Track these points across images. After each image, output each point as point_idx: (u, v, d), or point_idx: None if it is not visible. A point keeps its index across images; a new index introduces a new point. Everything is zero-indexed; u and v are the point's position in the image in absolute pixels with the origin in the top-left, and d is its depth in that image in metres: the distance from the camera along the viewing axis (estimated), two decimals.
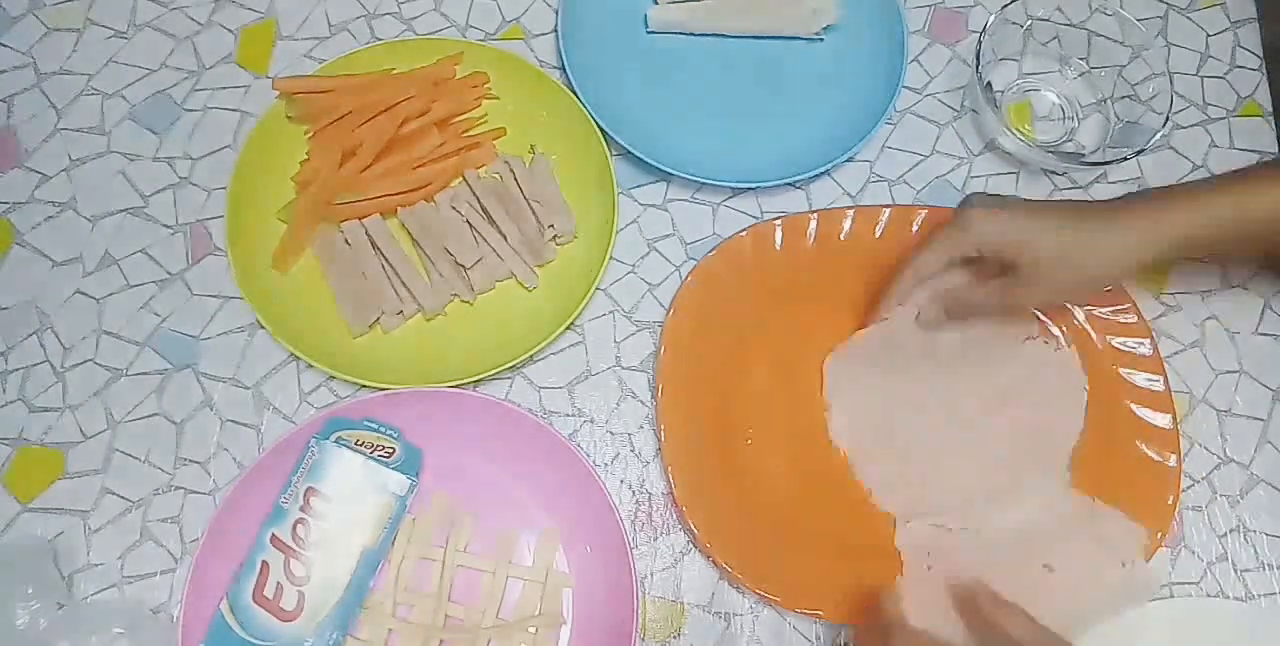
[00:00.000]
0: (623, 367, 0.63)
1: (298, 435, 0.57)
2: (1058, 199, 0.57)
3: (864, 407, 0.61)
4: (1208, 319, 0.65)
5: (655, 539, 0.60)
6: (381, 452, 0.57)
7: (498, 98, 0.66)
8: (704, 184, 0.66)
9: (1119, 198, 0.56)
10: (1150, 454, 0.60)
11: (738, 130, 0.68)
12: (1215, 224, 0.53)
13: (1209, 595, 0.60)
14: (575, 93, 0.64)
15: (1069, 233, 0.53)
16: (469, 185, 0.64)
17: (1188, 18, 0.72)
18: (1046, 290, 0.55)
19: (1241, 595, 0.60)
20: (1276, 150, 0.69)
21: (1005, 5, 0.65)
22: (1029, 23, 0.68)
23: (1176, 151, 0.69)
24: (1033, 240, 0.53)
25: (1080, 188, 0.68)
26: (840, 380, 0.62)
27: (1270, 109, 0.70)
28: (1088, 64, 0.69)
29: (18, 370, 0.61)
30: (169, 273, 0.64)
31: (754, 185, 0.65)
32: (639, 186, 0.67)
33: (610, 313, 0.64)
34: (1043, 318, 0.63)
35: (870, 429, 0.61)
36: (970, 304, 0.57)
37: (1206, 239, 0.53)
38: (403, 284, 0.62)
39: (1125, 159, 0.63)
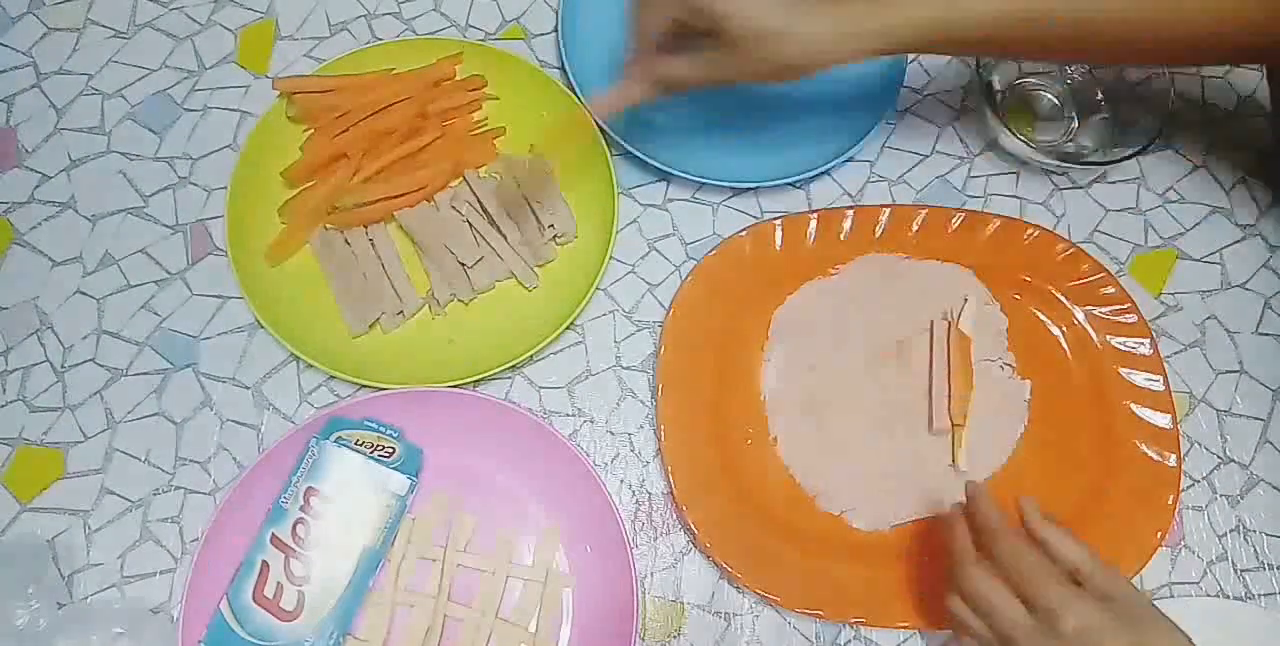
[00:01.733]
0: (623, 367, 0.63)
1: (298, 435, 0.57)
2: None
3: (794, 363, 0.62)
4: (1208, 319, 0.65)
5: (655, 539, 0.60)
6: (381, 452, 0.57)
7: (497, 98, 0.66)
8: (704, 184, 0.66)
9: None
10: (1150, 454, 0.60)
11: (737, 130, 0.67)
12: (935, 27, 0.50)
13: (1209, 595, 0.60)
14: (575, 93, 0.64)
15: (778, 12, 0.49)
16: (469, 185, 0.64)
17: None
18: (746, 69, 0.52)
19: (1241, 595, 0.60)
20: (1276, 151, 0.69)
21: None
22: None
23: (1176, 151, 0.69)
24: (737, 11, 0.49)
25: (1080, 188, 0.68)
26: (781, 334, 0.63)
27: (1269, 109, 0.70)
28: None
29: (18, 370, 0.61)
30: (169, 272, 0.64)
31: (754, 185, 0.65)
32: (639, 186, 0.67)
33: (610, 313, 0.64)
34: (1042, 317, 0.63)
35: (793, 385, 0.62)
36: (676, 77, 0.54)
37: (930, 40, 0.51)
38: (403, 284, 0.62)
39: (1125, 159, 0.63)
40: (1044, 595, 0.47)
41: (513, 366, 0.60)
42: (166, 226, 0.64)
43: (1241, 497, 0.62)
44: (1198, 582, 0.60)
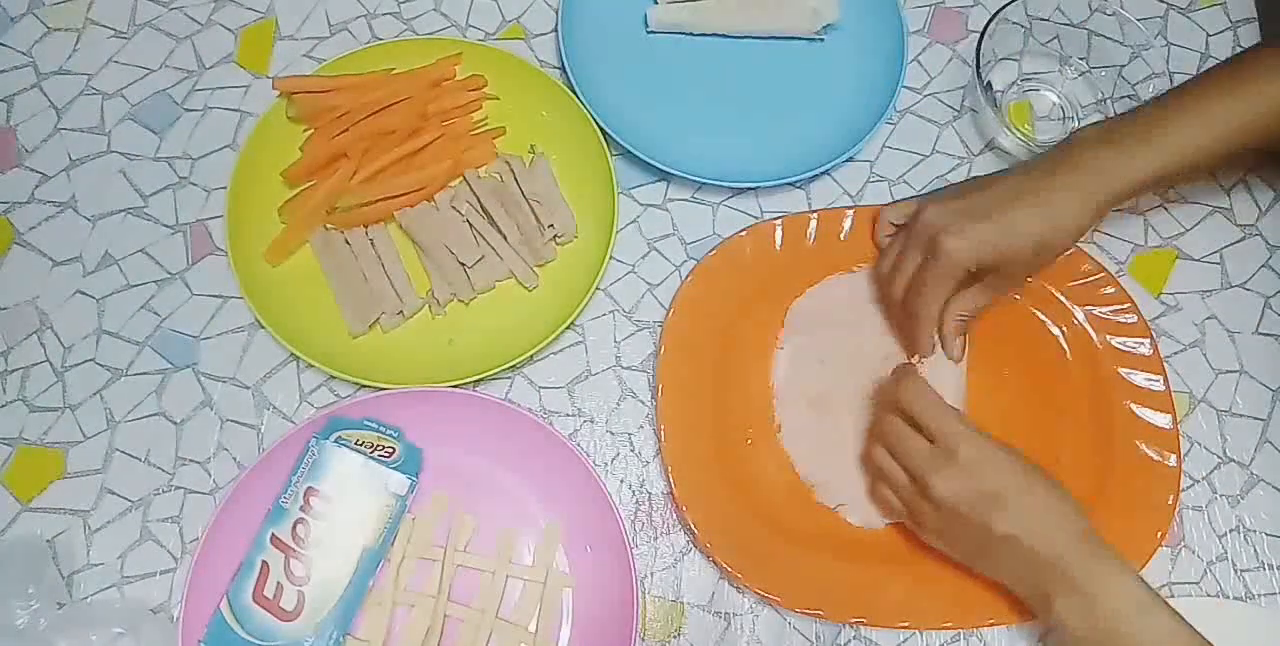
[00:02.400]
0: (623, 367, 0.63)
1: (298, 435, 0.57)
2: (996, 176, 0.58)
3: (806, 355, 0.62)
4: (1208, 319, 0.65)
5: (655, 539, 0.60)
6: (382, 452, 0.57)
7: (497, 98, 0.66)
8: (704, 184, 0.66)
9: (1060, 156, 0.56)
10: (1150, 454, 0.60)
11: (737, 130, 0.68)
12: (1151, 176, 0.55)
13: (1209, 595, 0.60)
14: (575, 93, 0.64)
15: (1035, 230, 0.54)
16: (469, 185, 0.64)
17: (1188, 18, 0.72)
18: (1023, 277, 0.58)
19: (1241, 595, 0.60)
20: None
21: (1005, 5, 0.65)
22: (1029, 23, 0.68)
23: None
24: (1008, 250, 0.55)
25: None
26: (796, 325, 0.63)
27: None
28: (1088, 64, 0.69)
29: (18, 370, 0.61)
30: (169, 273, 0.64)
31: (754, 185, 0.65)
32: (639, 186, 0.67)
33: (610, 312, 0.64)
34: (1042, 317, 0.63)
35: (802, 377, 0.62)
36: (972, 314, 0.59)
37: (1149, 184, 0.55)
38: (403, 284, 0.62)
39: None
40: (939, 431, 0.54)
41: (513, 366, 0.60)
42: (166, 226, 0.64)
43: (1241, 497, 0.62)
44: (1198, 582, 0.60)
